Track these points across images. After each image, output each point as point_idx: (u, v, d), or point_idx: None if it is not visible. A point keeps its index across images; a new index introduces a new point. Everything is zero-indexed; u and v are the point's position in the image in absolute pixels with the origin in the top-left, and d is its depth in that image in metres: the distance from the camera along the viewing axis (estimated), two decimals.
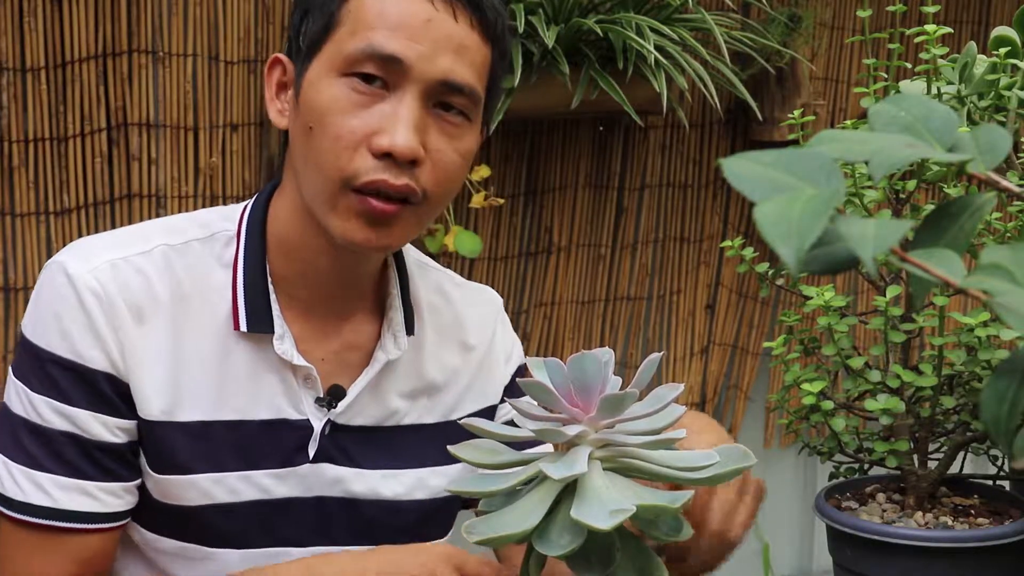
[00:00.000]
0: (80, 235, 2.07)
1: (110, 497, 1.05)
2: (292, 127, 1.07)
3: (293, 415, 1.09)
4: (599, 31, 2.05)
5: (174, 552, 1.09)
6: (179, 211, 2.11)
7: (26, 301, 2.04)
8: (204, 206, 2.13)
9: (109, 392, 1.04)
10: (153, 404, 1.05)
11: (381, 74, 1.01)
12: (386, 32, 1.01)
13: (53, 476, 1.03)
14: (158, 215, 2.10)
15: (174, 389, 1.05)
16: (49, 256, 2.04)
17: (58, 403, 1.03)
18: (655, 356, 0.87)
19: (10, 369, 1.07)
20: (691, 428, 0.94)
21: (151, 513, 1.08)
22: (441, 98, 1.04)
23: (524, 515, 0.83)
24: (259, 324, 1.07)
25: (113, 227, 2.09)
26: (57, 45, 2.01)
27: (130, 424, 1.05)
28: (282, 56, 1.09)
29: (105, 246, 1.08)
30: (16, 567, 1.05)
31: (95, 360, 1.03)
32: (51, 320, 1.04)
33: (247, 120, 2.17)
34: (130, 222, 2.08)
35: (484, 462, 0.88)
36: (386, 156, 1.00)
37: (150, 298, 1.06)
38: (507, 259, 2.47)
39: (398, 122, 1.00)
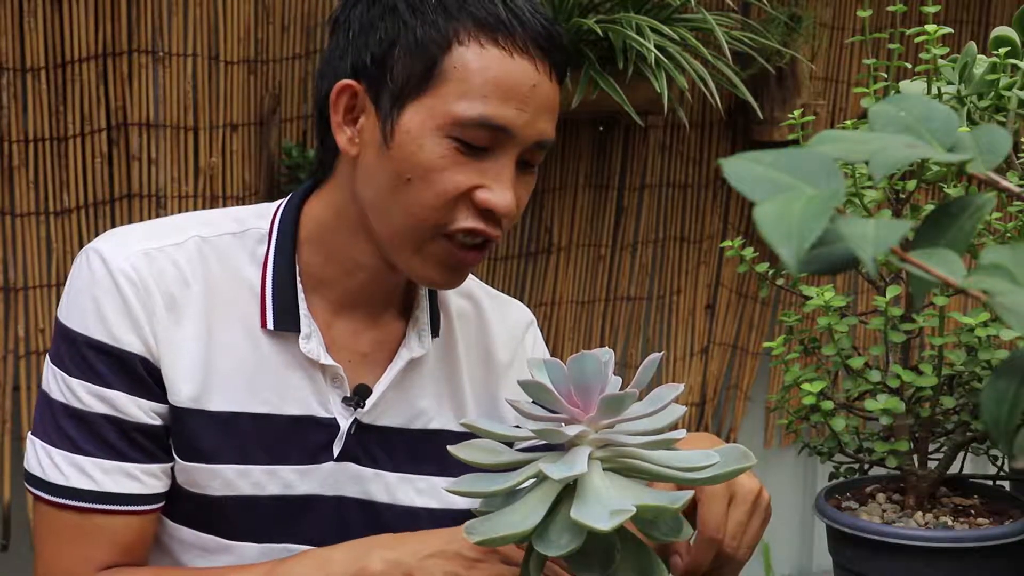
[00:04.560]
0: (80, 235, 2.07)
1: (151, 479, 1.06)
2: (373, 164, 1.05)
3: (321, 413, 1.10)
4: (599, 31, 2.05)
5: (193, 543, 1.10)
6: (179, 211, 2.11)
7: (26, 301, 2.05)
8: (204, 206, 2.13)
9: (144, 375, 1.05)
10: (183, 391, 1.06)
11: (489, 143, 1.03)
12: (498, 102, 1.02)
13: (95, 459, 1.04)
14: (158, 215, 2.10)
15: (205, 378, 1.07)
16: (49, 256, 2.06)
17: (96, 386, 1.04)
18: (655, 356, 0.87)
19: (47, 357, 1.08)
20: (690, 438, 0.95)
21: (174, 501, 1.09)
22: (528, 156, 1.07)
23: (524, 515, 0.83)
24: (286, 323, 1.09)
25: (113, 227, 2.08)
26: (57, 45, 2.01)
27: (164, 408, 1.06)
28: (354, 83, 1.06)
29: (139, 236, 1.09)
30: (56, 556, 1.06)
31: (131, 344, 1.04)
32: (87, 304, 1.05)
33: (247, 120, 2.17)
34: (130, 222, 2.08)
35: (484, 462, 0.88)
36: (487, 211, 1.03)
37: (183, 287, 1.07)
38: (507, 259, 2.47)
39: (502, 183, 1.03)
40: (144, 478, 1.06)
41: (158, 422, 1.06)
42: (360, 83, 1.06)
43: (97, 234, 2.06)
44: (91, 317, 1.04)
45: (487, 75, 1.02)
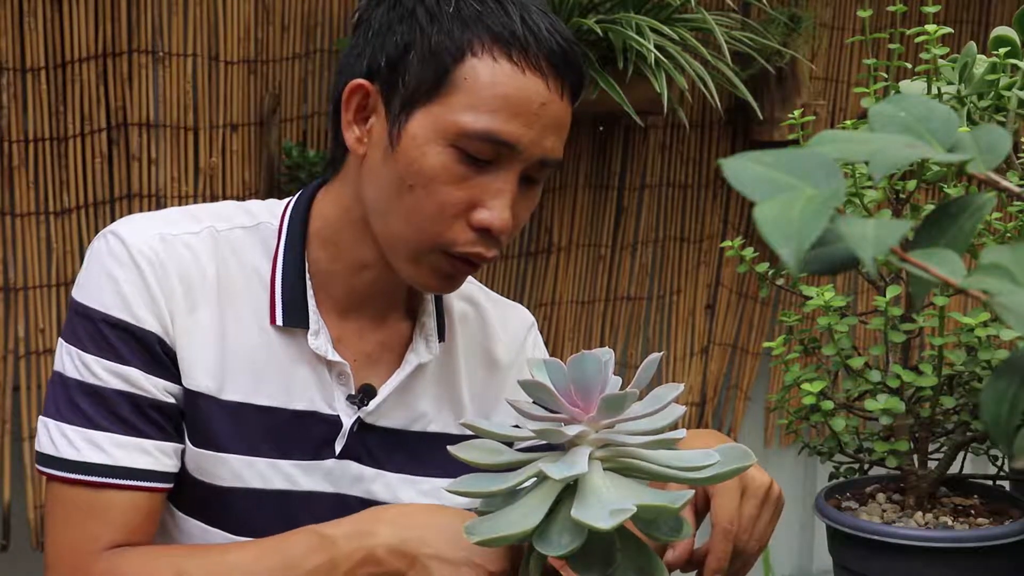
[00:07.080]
0: (80, 235, 2.07)
1: (164, 456, 1.07)
2: (378, 165, 1.06)
3: (325, 409, 1.11)
4: (599, 31, 2.05)
5: (199, 537, 1.11)
6: None
7: (26, 301, 2.05)
8: None
9: (161, 354, 1.06)
10: (198, 377, 1.07)
11: (492, 156, 1.03)
12: (506, 117, 1.02)
13: (110, 434, 1.04)
14: None
15: (217, 366, 1.08)
16: (49, 256, 2.06)
17: (112, 363, 1.04)
18: (655, 356, 0.87)
19: (60, 338, 1.09)
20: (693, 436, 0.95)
21: (184, 490, 1.10)
22: (533, 173, 1.06)
23: (524, 515, 0.83)
24: (295, 319, 1.10)
25: None
26: (57, 45, 2.01)
27: (178, 389, 1.07)
28: (367, 84, 1.07)
29: (155, 222, 1.10)
30: (64, 535, 1.06)
31: (148, 322, 1.05)
32: (105, 282, 1.06)
33: (247, 120, 2.17)
34: None
35: (484, 462, 0.88)
36: (484, 229, 1.04)
37: (199, 274, 1.08)
38: (507, 259, 2.47)
39: (500, 199, 1.03)
40: (157, 454, 1.06)
41: (172, 401, 1.07)
42: (373, 84, 1.06)
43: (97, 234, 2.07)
44: (109, 294, 1.05)
45: (497, 89, 1.02)
